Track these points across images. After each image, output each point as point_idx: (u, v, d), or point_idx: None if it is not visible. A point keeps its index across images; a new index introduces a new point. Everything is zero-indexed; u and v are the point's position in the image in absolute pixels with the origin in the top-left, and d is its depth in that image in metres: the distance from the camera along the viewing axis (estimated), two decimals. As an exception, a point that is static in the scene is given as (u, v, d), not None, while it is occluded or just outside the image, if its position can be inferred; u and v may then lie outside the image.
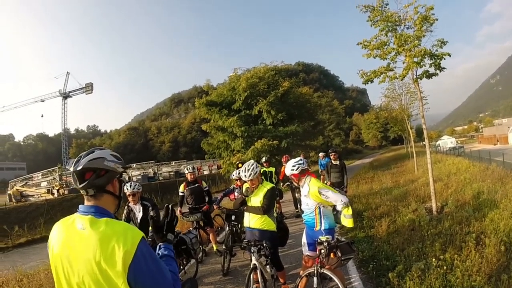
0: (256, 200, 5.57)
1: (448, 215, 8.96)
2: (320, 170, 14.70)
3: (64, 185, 38.45)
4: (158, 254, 2.10)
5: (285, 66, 34.25)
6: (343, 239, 4.76)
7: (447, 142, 55.88)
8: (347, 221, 5.01)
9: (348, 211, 4.94)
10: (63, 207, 30.72)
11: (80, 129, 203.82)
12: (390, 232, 8.56)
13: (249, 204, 5.68)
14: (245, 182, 5.85)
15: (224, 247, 7.77)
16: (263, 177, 6.13)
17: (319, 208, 5.06)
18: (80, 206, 1.97)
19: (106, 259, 1.73)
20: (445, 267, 5.60)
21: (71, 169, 1.94)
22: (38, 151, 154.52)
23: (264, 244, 5.15)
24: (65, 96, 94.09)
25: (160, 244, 2.20)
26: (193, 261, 7.42)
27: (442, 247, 6.60)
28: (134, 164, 58.63)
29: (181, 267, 6.85)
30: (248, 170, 5.48)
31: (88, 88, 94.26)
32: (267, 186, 5.66)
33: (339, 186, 10.96)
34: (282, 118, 26.06)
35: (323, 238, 4.67)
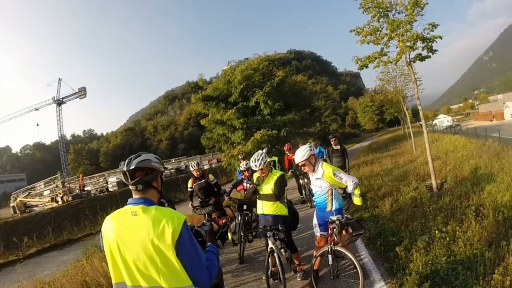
0: (267, 188, 5.85)
1: (448, 191, 9.28)
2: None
3: (68, 192, 38.24)
4: (205, 249, 2.56)
5: (278, 55, 34.37)
6: (352, 217, 5.11)
7: (443, 121, 56.19)
8: (357, 200, 5.46)
9: (358, 191, 5.36)
10: (69, 213, 30.80)
11: (76, 135, 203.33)
12: (393, 210, 8.87)
13: (261, 192, 5.94)
14: (253, 172, 6.16)
15: (238, 235, 8.03)
16: (272, 165, 6.40)
17: (332, 190, 5.34)
18: (130, 199, 2.40)
19: (158, 236, 2.14)
20: (448, 238, 5.88)
21: (124, 169, 2.37)
22: (36, 160, 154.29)
23: (280, 228, 5.39)
24: (59, 102, 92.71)
25: (208, 243, 2.66)
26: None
27: (444, 220, 6.89)
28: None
29: None
30: (258, 160, 5.77)
31: (81, 92, 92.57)
32: (277, 173, 5.94)
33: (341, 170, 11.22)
34: (279, 107, 26.35)
35: (334, 218, 5.05)
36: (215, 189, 9.54)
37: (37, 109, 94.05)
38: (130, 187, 2.40)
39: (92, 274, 7.75)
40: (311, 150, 5.50)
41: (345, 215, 5.39)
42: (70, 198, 36.32)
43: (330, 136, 12.16)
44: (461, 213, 7.07)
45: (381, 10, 9.60)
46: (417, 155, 18.27)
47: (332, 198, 5.37)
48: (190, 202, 9.48)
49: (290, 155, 13.55)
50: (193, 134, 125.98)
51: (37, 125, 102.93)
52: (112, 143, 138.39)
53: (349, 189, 5.32)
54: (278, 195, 5.75)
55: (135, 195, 2.40)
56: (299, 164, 5.50)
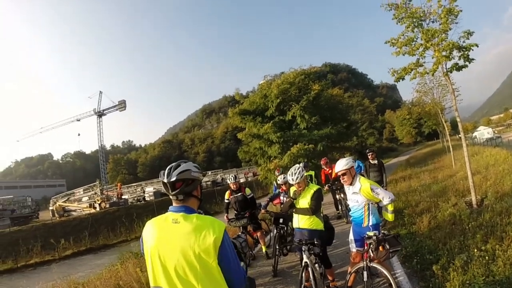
0: (304, 201, 5.83)
1: (488, 207, 8.89)
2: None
3: (106, 199, 39.52)
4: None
5: (313, 68, 34.25)
6: (389, 233, 4.99)
7: (483, 133, 54.72)
8: (389, 216, 5.36)
9: (391, 207, 5.26)
10: (106, 220, 31.62)
11: (115, 145, 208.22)
12: (431, 227, 8.59)
13: (297, 206, 5.94)
14: (291, 186, 6.13)
15: (274, 248, 8.06)
16: (308, 179, 6.37)
17: (368, 204, 5.27)
18: (170, 207, 2.46)
19: (200, 244, 2.19)
20: (487, 258, 5.63)
21: (165, 180, 2.41)
22: (76, 168, 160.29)
23: (316, 242, 5.36)
24: (100, 114, 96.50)
25: None
26: (242, 263, 7.63)
27: (483, 238, 6.61)
28: None
29: None
30: (295, 173, 5.76)
31: (121, 105, 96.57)
32: (314, 188, 5.93)
33: (379, 185, 10.97)
34: (315, 121, 26.04)
35: (370, 233, 4.90)
36: (251, 203, 9.50)
37: (79, 120, 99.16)
38: (171, 196, 2.45)
39: (125, 279, 8.07)
40: (353, 162, 5.52)
41: (382, 231, 5.24)
42: (107, 205, 37.45)
43: (367, 151, 11.96)
44: (501, 231, 6.76)
45: (414, 20, 9.48)
46: (457, 170, 17.71)
47: (369, 213, 5.31)
48: (226, 214, 9.58)
49: (327, 170, 13.47)
50: (229, 147, 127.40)
51: (78, 135, 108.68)
52: (150, 154, 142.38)
53: (384, 203, 5.26)
54: (315, 209, 5.72)
55: (176, 204, 2.45)
56: (339, 174, 5.46)
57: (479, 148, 28.98)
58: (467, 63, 9.31)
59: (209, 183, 48.14)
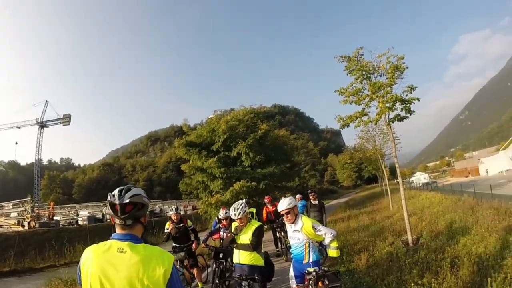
0: (245, 237, 5.90)
1: (423, 245, 9.56)
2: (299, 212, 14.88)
3: (36, 218, 36.71)
4: None
5: (263, 108, 35.07)
6: (329, 270, 5.33)
7: (420, 178, 57.23)
8: (334, 252, 5.51)
9: (335, 243, 5.46)
10: (35, 240, 28.72)
11: (53, 161, 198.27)
12: (369, 265, 9.04)
13: (238, 241, 6.00)
14: (232, 221, 6.27)
15: (213, 283, 8.05)
16: (250, 216, 6.52)
17: (309, 242, 5.44)
18: (114, 234, 2.35)
19: (149, 277, 2.13)
20: (424, 291, 6.01)
21: (116, 202, 2.29)
22: (8, 179, 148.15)
23: (256, 278, 5.49)
24: (42, 125, 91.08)
25: None
26: None
27: (419, 273, 7.09)
28: (102, 203, 56.94)
29: None
30: (238, 209, 5.87)
31: (66, 119, 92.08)
32: (255, 224, 6.04)
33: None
34: (260, 160, 26.40)
35: (311, 269, 5.22)
36: (192, 235, 9.61)
37: (19, 127, 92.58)
38: (117, 221, 2.33)
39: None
40: (295, 202, 5.69)
41: (322, 268, 5.52)
42: (37, 225, 34.91)
43: (309, 191, 12.42)
44: (436, 266, 7.30)
45: (364, 72, 10.26)
46: (394, 212, 18.56)
47: (309, 251, 5.47)
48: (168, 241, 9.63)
49: (271, 208, 13.64)
50: (171, 178, 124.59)
51: (16, 143, 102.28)
52: (88, 175, 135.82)
53: (326, 241, 5.41)
54: (256, 245, 5.80)
55: (121, 230, 2.34)
56: (282, 212, 5.57)
57: (416, 192, 30.52)
58: (408, 114, 10.18)
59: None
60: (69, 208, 52.60)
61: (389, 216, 17.59)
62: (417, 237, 10.67)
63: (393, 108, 10.05)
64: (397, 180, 13.19)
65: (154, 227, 31.86)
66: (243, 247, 5.88)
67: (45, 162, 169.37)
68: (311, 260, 5.44)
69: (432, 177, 69.34)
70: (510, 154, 46.18)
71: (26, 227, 34.43)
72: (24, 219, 36.67)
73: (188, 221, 9.75)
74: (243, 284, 5.49)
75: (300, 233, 5.45)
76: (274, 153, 29.34)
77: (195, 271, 9.41)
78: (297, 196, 14.69)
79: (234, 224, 6.26)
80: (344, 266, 9.73)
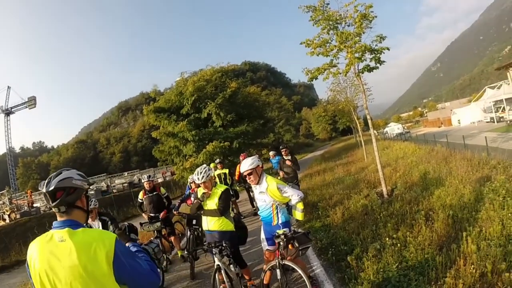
0: (211, 203, 5.73)
1: (398, 197, 9.48)
2: (274, 168, 14.58)
3: (15, 209, 36.28)
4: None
5: (232, 66, 34.37)
6: (299, 230, 5.10)
7: (394, 128, 57.49)
8: (299, 215, 5.34)
9: (301, 205, 5.27)
10: (17, 232, 28.81)
11: (26, 147, 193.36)
12: (345, 219, 8.94)
13: (205, 208, 5.83)
14: (199, 186, 6.02)
15: (186, 252, 7.96)
16: (217, 179, 6.22)
17: (276, 204, 5.27)
18: (54, 222, 2.23)
19: (91, 262, 2.02)
20: (399, 245, 5.97)
21: (44, 190, 2.21)
22: None
23: (224, 244, 5.33)
24: (7, 112, 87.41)
25: (127, 244, 2.53)
26: (158, 270, 7.47)
27: (394, 227, 7.03)
28: None
29: None
30: (201, 173, 5.65)
31: (31, 102, 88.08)
32: (221, 188, 5.84)
33: (291, 180, 11.10)
34: (231, 119, 26.16)
35: (280, 232, 4.99)
36: (166, 203, 9.34)
37: None
38: (53, 209, 2.25)
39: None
40: (259, 161, 5.41)
41: (293, 228, 5.35)
42: (18, 216, 34.53)
43: (281, 147, 12.09)
44: (411, 219, 7.24)
45: (331, 22, 9.84)
46: (368, 163, 18.58)
47: (277, 212, 5.31)
48: (144, 213, 9.50)
49: None
50: (147, 146, 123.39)
51: None
52: (63, 156, 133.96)
53: (292, 202, 5.25)
54: (223, 210, 5.64)
55: (59, 218, 2.25)
56: (245, 173, 5.37)
57: (390, 142, 30.60)
58: (378, 64, 9.87)
59: (125, 184, 46.53)
60: (46, 192, 51.84)
61: (363, 167, 17.62)
62: (391, 189, 10.67)
63: (363, 58, 9.75)
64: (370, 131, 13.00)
65: (134, 198, 31.56)
66: (211, 213, 5.73)
67: (17, 150, 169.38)
68: (280, 222, 5.31)
69: (405, 127, 69.99)
70: (482, 105, 46.55)
71: (7, 220, 33.94)
72: (4, 212, 36.15)
73: (162, 188, 9.52)
74: (214, 251, 5.32)
75: (265, 194, 5.28)
76: (246, 111, 28.99)
77: (173, 239, 9.37)
78: (271, 152, 14.42)
79: (200, 190, 6.00)
80: (319, 221, 9.67)
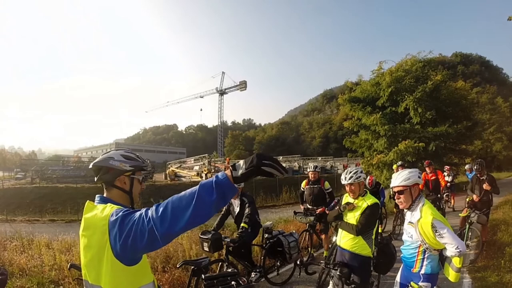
0: (351, 216, 4.62)
1: None
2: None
3: (212, 170, 42.01)
4: None
5: (438, 57, 31.11)
6: None
7: None
8: (453, 275, 3.59)
9: (458, 262, 3.53)
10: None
11: (236, 122, 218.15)
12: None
13: (344, 219, 4.75)
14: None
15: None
16: (367, 189, 4.81)
17: (424, 246, 3.69)
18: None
19: (91, 237, 1.96)
20: None
21: (90, 166, 2.28)
22: (197, 139, 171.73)
23: (352, 276, 4.34)
24: (221, 92, 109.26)
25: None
26: (289, 266, 7.18)
27: None
28: (281, 157, 62.69)
29: (275, 268, 6.87)
30: (350, 172, 4.62)
31: (242, 85, 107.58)
32: (368, 200, 4.58)
33: (481, 208, 8.35)
34: (431, 116, 23.09)
35: (415, 286, 3.67)
36: (328, 199, 8.54)
37: (202, 97, 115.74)
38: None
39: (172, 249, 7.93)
40: (419, 178, 3.87)
41: (437, 285, 3.79)
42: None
43: (474, 165, 8.95)
44: None
45: None
46: None
47: (423, 258, 3.73)
48: (302, 204, 9.02)
49: (430, 175, 11.36)
50: (347, 135, 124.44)
51: (201, 110, 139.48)
52: (268, 133, 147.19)
53: (447, 254, 3.56)
54: (361, 228, 4.42)
55: (101, 193, 2.27)
56: (394, 190, 3.91)
57: None
58: None
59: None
60: (247, 161, 58.96)
61: None
62: None
63: None
64: None
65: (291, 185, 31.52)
66: (347, 227, 4.60)
67: (229, 123, 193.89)
68: (422, 272, 3.72)
69: None
70: None
71: (203, 178, 40.24)
72: (203, 171, 43.50)
73: (326, 183, 8.73)
74: (332, 273, 4.49)
75: (414, 228, 3.72)
76: (450, 109, 25.47)
77: (323, 237, 8.71)
78: (467, 166, 11.66)
79: (345, 197, 4.93)
80: (498, 275, 6.60)
